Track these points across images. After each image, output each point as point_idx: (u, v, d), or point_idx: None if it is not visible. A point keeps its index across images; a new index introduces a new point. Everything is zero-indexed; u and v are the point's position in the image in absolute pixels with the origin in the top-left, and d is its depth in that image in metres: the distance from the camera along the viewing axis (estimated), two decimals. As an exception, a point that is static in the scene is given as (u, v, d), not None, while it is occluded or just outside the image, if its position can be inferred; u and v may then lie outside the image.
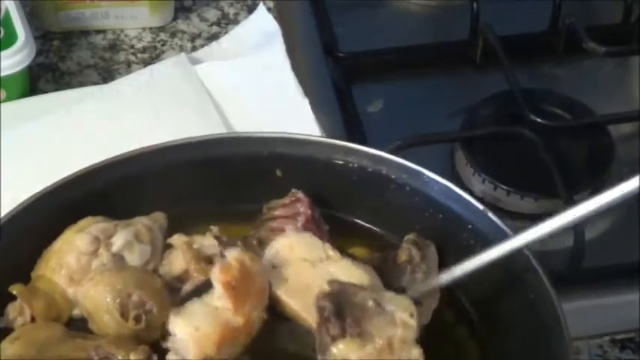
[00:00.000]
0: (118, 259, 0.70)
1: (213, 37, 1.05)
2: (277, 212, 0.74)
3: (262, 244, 0.72)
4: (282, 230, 0.72)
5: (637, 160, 0.94)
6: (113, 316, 0.66)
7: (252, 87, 0.94)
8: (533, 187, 0.90)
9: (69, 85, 1.00)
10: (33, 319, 0.68)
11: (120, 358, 0.64)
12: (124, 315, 0.66)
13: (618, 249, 0.89)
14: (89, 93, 0.94)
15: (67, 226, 0.71)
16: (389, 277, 0.70)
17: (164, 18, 1.07)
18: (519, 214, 0.90)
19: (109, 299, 0.66)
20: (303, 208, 0.74)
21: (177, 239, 0.71)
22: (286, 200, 0.75)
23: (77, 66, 1.03)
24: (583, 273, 0.86)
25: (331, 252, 0.69)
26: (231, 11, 1.09)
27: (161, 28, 1.07)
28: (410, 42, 1.05)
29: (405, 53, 1.05)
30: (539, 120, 0.93)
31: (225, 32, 1.04)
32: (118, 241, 0.71)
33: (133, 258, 0.71)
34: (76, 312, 0.69)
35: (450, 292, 0.71)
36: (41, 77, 1.01)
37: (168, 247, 0.72)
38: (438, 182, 0.74)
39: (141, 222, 0.73)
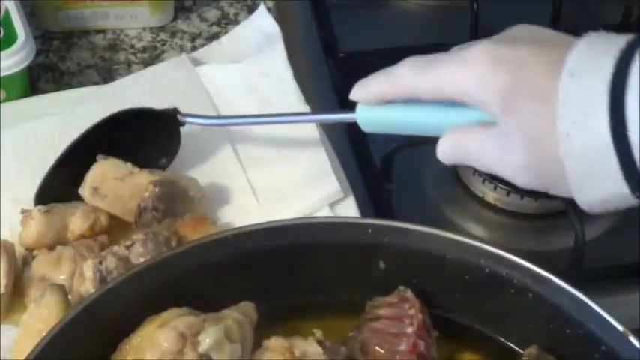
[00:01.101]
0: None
1: (213, 37, 1.05)
2: (382, 311, 0.69)
3: (364, 347, 0.67)
4: (387, 333, 0.67)
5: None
6: None
7: (253, 94, 0.94)
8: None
9: (69, 85, 1.00)
10: None
11: None
12: None
13: (618, 249, 0.89)
14: (90, 93, 0.94)
15: (145, 316, 0.65)
16: None
17: (164, 18, 1.07)
18: (519, 214, 0.90)
19: None
20: (413, 310, 0.68)
21: (275, 343, 0.65)
22: (393, 299, 0.68)
23: (77, 66, 1.03)
24: (583, 273, 0.86)
25: (133, 169, 0.83)
26: (231, 11, 1.09)
27: (161, 28, 1.07)
28: (410, 42, 1.05)
29: (405, 53, 1.04)
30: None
31: (225, 32, 1.04)
32: (207, 339, 0.63)
33: (222, 359, 0.64)
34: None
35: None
36: (41, 77, 1.01)
37: (256, 344, 0.66)
38: (567, 292, 0.67)
39: (231, 316, 0.66)
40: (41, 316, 0.74)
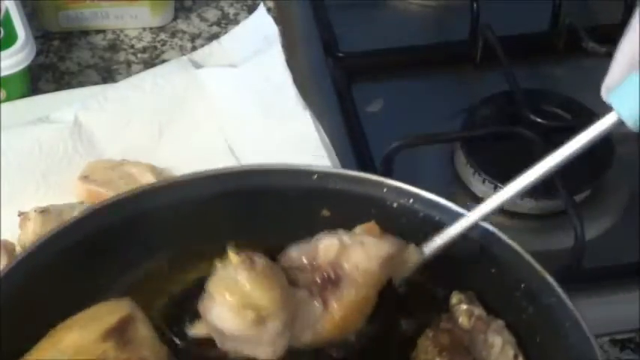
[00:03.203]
0: None
1: (213, 37, 1.04)
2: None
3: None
4: None
5: (637, 160, 0.94)
6: None
7: (253, 98, 0.94)
8: (533, 187, 0.90)
9: (69, 85, 1.00)
10: None
11: None
12: None
13: (618, 249, 0.89)
14: (91, 96, 0.94)
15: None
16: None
17: (164, 18, 1.07)
18: (519, 214, 0.90)
19: None
20: None
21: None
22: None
23: (77, 66, 1.03)
24: (583, 273, 0.86)
25: (122, 161, 0.87)
26: (231, 11, 1.09)
27: (161, 28, 1.07)
28: (410, 42, 1.05)
29: (405, 53, 1.05)
30: (539, 120, 0.93)
31: (225, 32, 1.04)
32: None
33: None
34: None
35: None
36: (41, 77, 1.01)
37: None
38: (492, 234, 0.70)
39: None
40: None
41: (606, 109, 0.97)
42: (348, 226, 0.68)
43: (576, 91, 0.98)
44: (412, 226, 0.69)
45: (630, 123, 0.67)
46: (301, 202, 0.71)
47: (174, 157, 0.90)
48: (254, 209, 0.71)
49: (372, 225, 0.68)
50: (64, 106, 0.92)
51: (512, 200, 0.69)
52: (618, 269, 0.87)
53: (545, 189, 0.89)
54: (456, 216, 0.69)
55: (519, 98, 0.94)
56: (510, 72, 0.96)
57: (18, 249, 0.82)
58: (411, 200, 0.70)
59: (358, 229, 0.68)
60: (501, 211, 0.90)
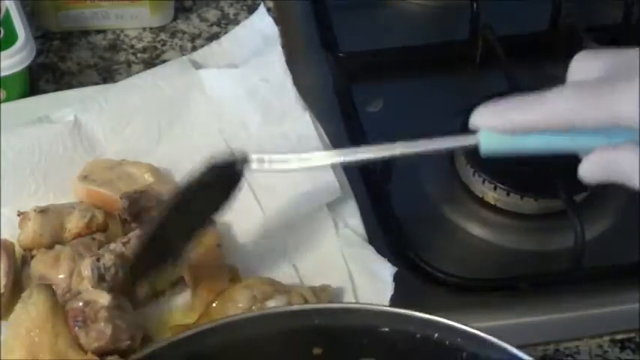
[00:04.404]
0: None
1: (213, 37, 1.04)
2: None
3: None
4: None
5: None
6: None
7: (253, 99, 0.94)
8: (533, 187, 0.90)
9: (69, 85, 1.00)
10: None
11: None
12: None
13: (618, 249, 0.89)
14: (91, 96, 0.93)
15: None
16: None
17: (164, 18, 1.07)
18: (519, 214, 0.90)
19: None
20: None
21: None
22: None
23: (77, 66, 1.03)
24: (583, 273, 0.86)
25: (121, 160, 0.88)
26: (231, 11, 1.09)
27: (161, 28, 1.07)
28: (410, 42, 1.05)
29: (405, 53, 1.05)
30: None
31: (226, 32, 1.04)
32: (270, 305, 0.74)
33: None
34: None
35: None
36: (41, 77, 1.01)
37: None
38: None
39: (299, 291, 0.77)
40: (29, 316, 0.74)
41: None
42: None
43: (576, 91, 0.97)
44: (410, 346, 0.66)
45: (481, 152, 0.68)
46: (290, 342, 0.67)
47: (174, 157, 0.90)
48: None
49: None
50: (64, 106, 0.92)
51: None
52: (618, 269, 0.87)
53: (545, 189, 0.89)
54: (457, 331, 0.65)
55: (519, 98, 0.94)
56: (510, 72, 0.96)
57: (17, 248, 0.82)
58: (405, 322, 0.66)
59: None
60: (501, 211, 0.91)
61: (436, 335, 0.65)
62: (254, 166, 0.72)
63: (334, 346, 0.66)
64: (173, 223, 0.74)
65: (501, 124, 0.66)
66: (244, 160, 0.72)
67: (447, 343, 0.65)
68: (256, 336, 0.66)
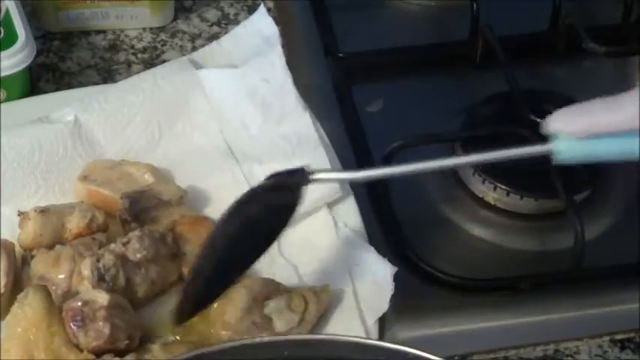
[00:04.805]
0: None
1: (214, 37, 1.04)
2: None
3: None
4: None
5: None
6: None
7: (253, 100, 0.93)
8: (533, 187, 0.90)
9: (69, 85, 1.00)
10: None
11: None
12: None
13: (618, 249, 0.89)
14: (91, 96, 0.93)
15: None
16: None
17: (164, 18, 1.07)
18: (519, 214, 0.90)
19: None
20: None
21: None
22: None
23: (77, 66, 1.03)
24: (583, 273, 0.86)
25: (122, 161, 0.88)
26: (232, 11, 1.09)
27: (161, 29, 1.07)
28: (410, 42, 1.05)
29: (405, 53, 1.05)
30: (539, 120, 0.92)
31: (226, 32, 1.04)
32: (271, 304, 0.77)
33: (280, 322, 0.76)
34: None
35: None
36: (41, 77, 1.01)
37: None
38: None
39: (301, 292, 0.78)
40: (25, 316, 0.74)
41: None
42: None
43: (576, 91, 0.97)
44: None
45: (556, 159, 0.68)
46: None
47: (174, 157, 0.90)
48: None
49: None
50: (64, 106, 0.92)
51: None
52: (618, 269, 0.87)
53: (545, 189, 0.89)
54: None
55: (519, 98, 0.94)
56: (510, 72, 0.96)
57: (17, 248, 0.82)
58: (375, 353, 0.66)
59: None
60: (501, 211, 0.91)
61: None
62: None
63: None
64: (230, 258, 0.70)
65: (581, 128, 0.66)
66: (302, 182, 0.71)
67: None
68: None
